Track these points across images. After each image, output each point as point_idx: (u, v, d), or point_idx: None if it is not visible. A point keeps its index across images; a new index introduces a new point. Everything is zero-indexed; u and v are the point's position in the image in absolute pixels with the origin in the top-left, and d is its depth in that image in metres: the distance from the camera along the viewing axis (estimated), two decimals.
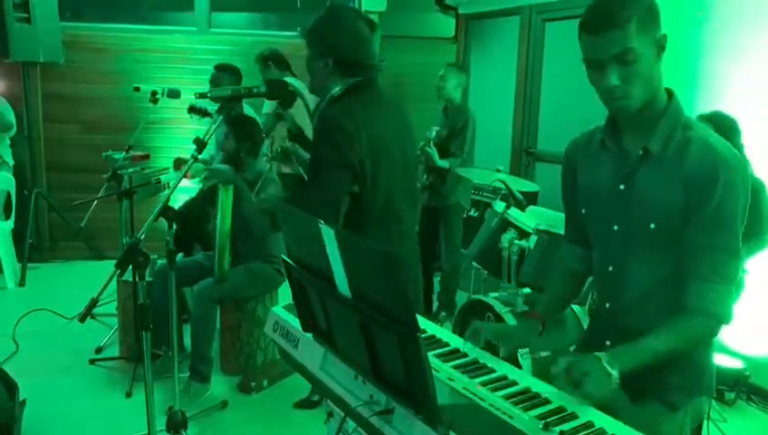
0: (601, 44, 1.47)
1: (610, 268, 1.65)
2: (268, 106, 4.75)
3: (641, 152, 1.55)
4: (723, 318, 1.52)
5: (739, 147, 3.11)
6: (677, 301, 1.52)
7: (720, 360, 3.48)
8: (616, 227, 1.62)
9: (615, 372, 1.43)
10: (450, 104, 4.56)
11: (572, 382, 1.42)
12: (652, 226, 1.54)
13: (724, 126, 3.07)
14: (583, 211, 1.72)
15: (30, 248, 5.48)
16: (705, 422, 2.74)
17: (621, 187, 1.59)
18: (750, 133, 3.29)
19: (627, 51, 1.45)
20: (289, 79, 4.25)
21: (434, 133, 4.36)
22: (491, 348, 1.71)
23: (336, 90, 2.27)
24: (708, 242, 1.48)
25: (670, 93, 1.57)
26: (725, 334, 3.54)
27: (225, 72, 4.62)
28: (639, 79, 1.48)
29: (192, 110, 4.57)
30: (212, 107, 4.55)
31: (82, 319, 2.03)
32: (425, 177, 4.46)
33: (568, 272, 1.87)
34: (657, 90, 1.53)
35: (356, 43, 2.28)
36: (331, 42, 2.25)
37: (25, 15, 5.24)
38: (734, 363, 3.59)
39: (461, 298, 4.01)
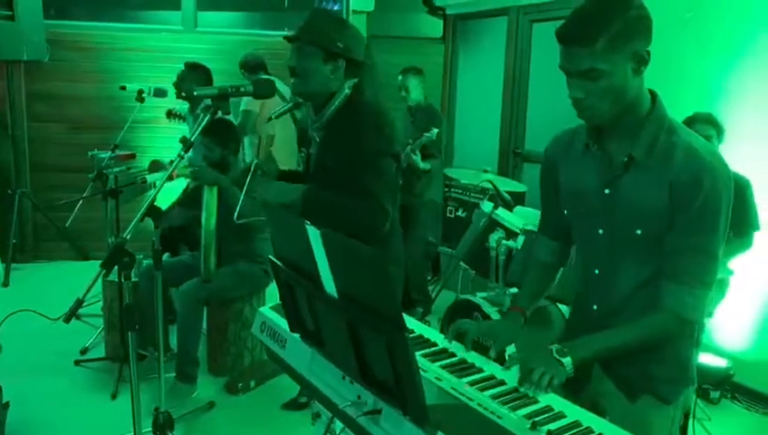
0: (568, 58, 1.48)
1: (596, 271, 1.65)
2: (246, 103, 4.71)
3: (626, 159, 1.53)
4: (694, 322, 1.56)
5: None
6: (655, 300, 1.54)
7: (705, 359, 3.51)
8: (601, 231, 1.61)
9: (567, 360, 1.49)
10: (417, 106, 4.69)
11: (533, 385, 1.46)
12: (638, 231, 1.53)
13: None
14: (566, 212, 1.72)
15: (14, 248, 5.41)
16: (690, 421, 2.77)
17: (606, 191, 1.58)
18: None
19: (590, 70, 1.44)
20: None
21: (434, 134, 4.37)
22: (480, 347, 1.71)
23: (346, 90, 2.26)
24: (689, 244, 1.49)
25: (654, 96, 1.55)
26: (710, 333, 3.60)
27: (193, 71, 4.35)
28: (606, 94, 1.46)
29: (170, 114, 4.52)
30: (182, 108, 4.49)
31: (67, 320, 2.00)
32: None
33: (542, 266, 1.88)
34: (635, 99, 1.50)
35: (361, 43, 2.30)
36: (344, 43, 2.23)
37: (9, 13, 5.19)
38: (719, 362, 3.62)
39: (449, 298, 4.01)
